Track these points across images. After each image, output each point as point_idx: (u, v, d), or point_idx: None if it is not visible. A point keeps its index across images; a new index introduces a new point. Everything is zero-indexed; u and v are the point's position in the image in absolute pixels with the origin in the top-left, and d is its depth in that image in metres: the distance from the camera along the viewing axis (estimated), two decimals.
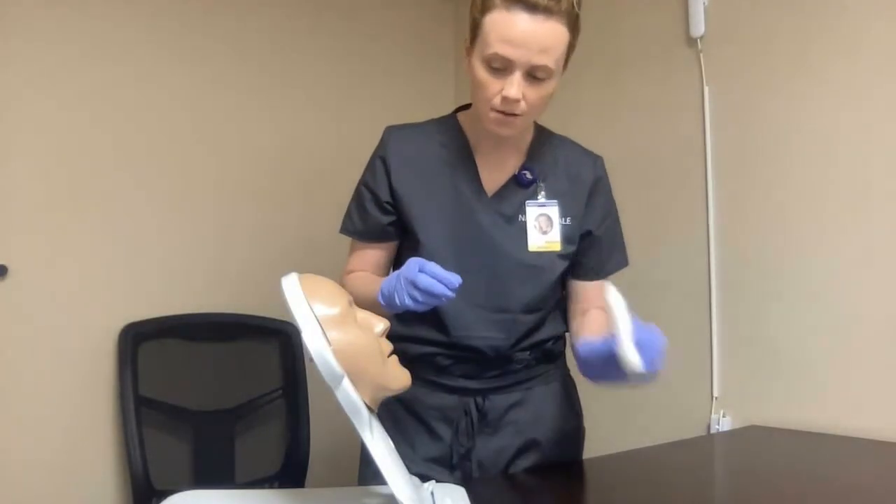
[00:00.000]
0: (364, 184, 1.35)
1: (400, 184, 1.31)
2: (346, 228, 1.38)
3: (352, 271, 1.37)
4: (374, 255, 1.37)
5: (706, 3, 1.96)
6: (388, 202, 1.32)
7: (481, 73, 1.17)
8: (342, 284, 1.31)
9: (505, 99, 1.16)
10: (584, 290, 1.38)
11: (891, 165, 1.62)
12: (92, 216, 2.04)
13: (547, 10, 1.12)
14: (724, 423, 1.90)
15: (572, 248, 1.34)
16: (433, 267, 1.09)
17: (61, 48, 2.00)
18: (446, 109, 1.42)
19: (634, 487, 1.31)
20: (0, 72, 1.92)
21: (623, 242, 1.42)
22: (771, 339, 1.83)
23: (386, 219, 1.33)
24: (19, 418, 1.92)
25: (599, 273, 1.38)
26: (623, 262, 1.41)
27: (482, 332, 1.29)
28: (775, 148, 1.83)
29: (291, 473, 2.13)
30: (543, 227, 1.29)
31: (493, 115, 1.19)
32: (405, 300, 1.09)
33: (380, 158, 1.33)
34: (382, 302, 1.14)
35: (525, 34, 1.12)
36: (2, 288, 1.91)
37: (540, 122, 1.39)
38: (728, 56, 1.93)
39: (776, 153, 1.83)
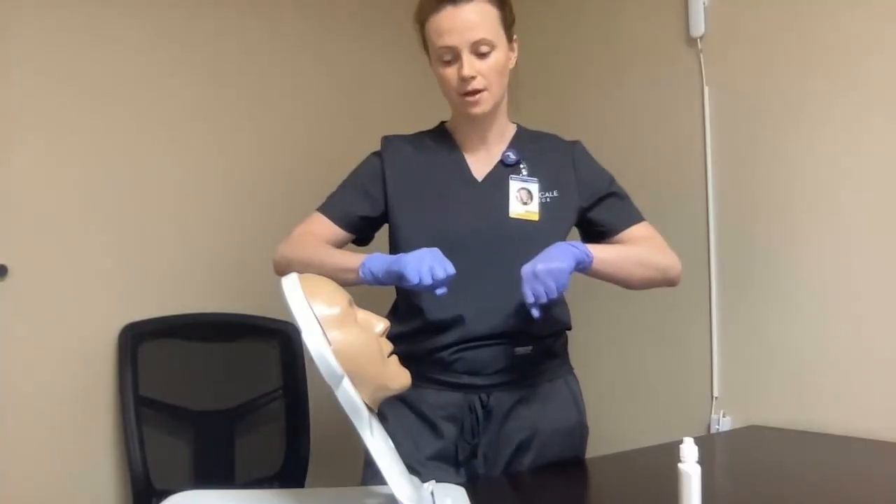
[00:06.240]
0: (354, 173, 1.46)
1: (393, 174, 1.40)
2: (322, 206, 1.44)
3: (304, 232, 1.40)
4: (331, 230, 1.40)
5: (706, 3, 1.96)
6: (374, 195, 1.40)
7: (439, 70, 1.33)
8: (292, 238, 1.38)
9: (463, 79, 1.30)
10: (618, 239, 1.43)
11: (891, 164, 1.62)
12: (92, 216, 2.03)
13: None
14: (724, 423, 1.90)
15: (564, 221, 1.40)
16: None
17: (62, 48, 1.99)
18: (443, 111, 1.47)
19: (634, 487, 1.31)
20: (0, 71, 1.93)
21: (633, 202, 1.48)
22: (771, 339, 1.83)
23: (361, 209, 1.41)
24: (19, 418, 1.92)
25: (626, 224, 1.43)
26: (640, 216, 1.46)
27: (486, 298, 1.31)
28: (775, 148, 1.83)
29: (291, 473, 2.13)
30: (524, 199, 1.37)
31: (461, 100, 1.33)
32: (437, 271, 1.15)
33: (375, 155, 1.45)
34: (398, 270, 1.17)
35: (454, 20, 1.29)
36: (2, 288, 1.91)
37: (530, 127, 1.49)
38: (728, 56, 1.93)
39: (776, 153, 1.83)
